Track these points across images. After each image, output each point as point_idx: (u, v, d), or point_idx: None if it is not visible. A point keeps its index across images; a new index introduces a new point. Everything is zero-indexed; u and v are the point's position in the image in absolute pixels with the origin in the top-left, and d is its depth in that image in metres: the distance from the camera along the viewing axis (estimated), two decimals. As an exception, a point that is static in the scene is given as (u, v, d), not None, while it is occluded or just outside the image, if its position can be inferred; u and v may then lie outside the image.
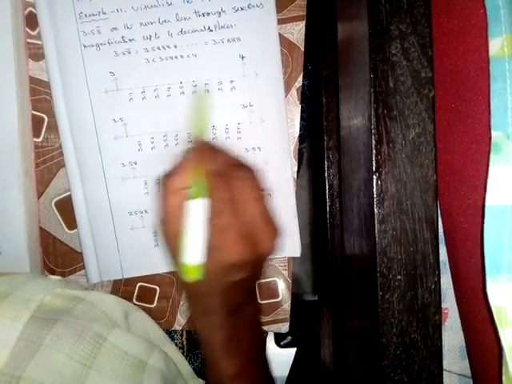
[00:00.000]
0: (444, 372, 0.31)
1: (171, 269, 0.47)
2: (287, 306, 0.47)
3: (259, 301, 0.47)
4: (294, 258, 0.47)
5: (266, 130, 0.44)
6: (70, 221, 0.46)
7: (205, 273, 0.36)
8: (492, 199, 0.27)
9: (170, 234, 0.38)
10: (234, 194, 0.36)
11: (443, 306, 0.35)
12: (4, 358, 0.33)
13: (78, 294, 0.40)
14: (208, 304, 0.39)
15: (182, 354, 0.47)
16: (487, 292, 0.27)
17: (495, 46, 0.28)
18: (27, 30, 0.44)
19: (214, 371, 0.41)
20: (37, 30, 0.44)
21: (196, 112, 0.42)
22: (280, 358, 0.52)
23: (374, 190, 0.28)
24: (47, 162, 0.46)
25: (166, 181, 0.38)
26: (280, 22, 0.44)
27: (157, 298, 0.47)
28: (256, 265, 0.38)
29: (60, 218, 0.47)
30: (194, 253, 0.36)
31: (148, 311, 0.45)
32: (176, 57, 0.44)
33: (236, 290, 0.38)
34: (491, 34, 0.28)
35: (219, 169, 0.37)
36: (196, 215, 0.36)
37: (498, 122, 0.27)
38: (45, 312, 0.37)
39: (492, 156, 0.27)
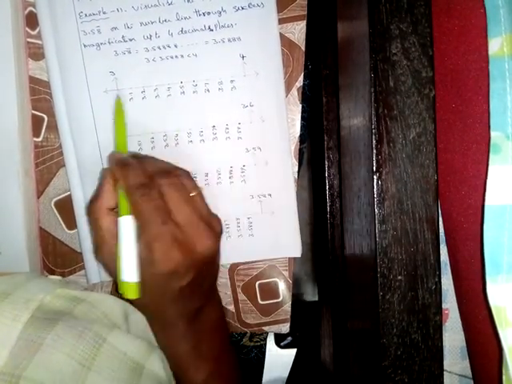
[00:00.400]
0: (445, 372, 0.30)
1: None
2: (288, 306, 0.47)
3: (259, 301, 0.47)
4: (294, 258, 0.47)
5: (266, 130, 0.44)
6: (70, 221, 0.46)
7: (147, 286, 0.36)
8: (492, 199, 0.27)
9: (107, 257, 0.38)
10: (162, 201, 0.36)
11: (444, 306, 0.35)
12: (4, 358, 0.32)
13: (78, 294, 0.40)
14: (165, 317, 0.39)
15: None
16: (487, 292, 0.27)
17: (495, 45, 0.28)
18: (27, 29, 0.44)
19: (182, 382, 0.41)
20: (37, 30, 0.44)
21: (116, 121, 0.42)
22: (280, 359, 0.52)
23: (375, 189, 0.28)
24: (47, 162, 0.46)
25: (91, 206, 0.39)
26: (281, 21, 0.44)
27: (157, 298, 0.47)
28: (199, 266, 0.37)
29: (60, 218, 0.47)
30: (128, 271, 0.36)
31: (148, 311, 0.45)
32: (176, 56, 0.44)
33: (188, 296, 0.38)
34: (491, 34, 0.28)
35: (142, 179, 0.37)
36: (126, 232, 0.36)
37: (497, 122, 0.27)
38: (45, 312, 0.37)
39: (491, 156, 0.27)
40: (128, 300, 0.38)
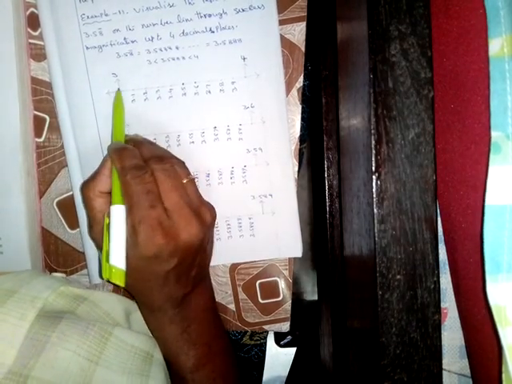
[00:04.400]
0: (443, 371, 0.31)
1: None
2: (288, 305, 0.47)
3: (260, 300, 0.47)
4: (294, 257, 0.47)
5: (267, 131, 0.45)
6: (72, 220, 0.46)
7: (131, 269, 0.37)
8: (492, 199, 0.27)
9: (99, 236, 0.39)
10: (153, 185, 0.37)
11: (443, 305, 0.35)
12: (12, 357, 0.33)
13: (81, 292, 0.41)
14: (151, 301, 0.39)
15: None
16: (487, 291, 0.27)
17: (495, 46, 0.28)
18: (29, 30, 0.45)
19: (174, 367, 0.41)
20: (38, 31, 0.44)
21: (115, 113, 0.43)
22: (280, 358, 0.52)
23: (374, 189, 0.28)
24: (49, 162, 0.46)
25: (86, 186, 0.39)
26: (281, 22, 0.44)
27: (158, 297, 0.47)
28: (183, 253, 0.37)
29: (62, 218, 0.47)
30: (116, 257, 0.36)
31: (149, 310, 0.45)
32: (178, 58, 0.44)
33: (174, 282, 0.38)
34: (491, 35, 0.28)
35: (136, 162, 0.37)
36: (117, 221, 0.37)
37: (497, 122, 0.28)
38: (49, 311, 0.37)
39: (492, 156, 0.27)
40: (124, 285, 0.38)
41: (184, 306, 0.40)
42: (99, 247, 0.40)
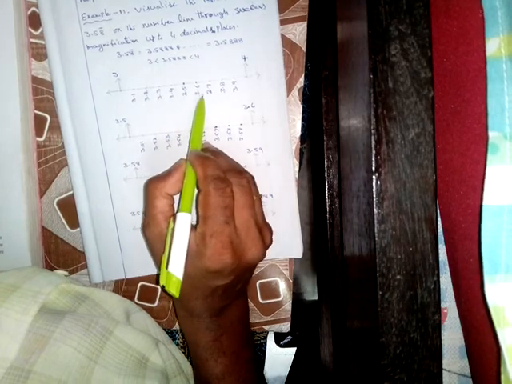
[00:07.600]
0: (443, 371, 0.31)
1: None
2: (288, 305, 0.47)
3: (260, 300, 0.47)
4: (295, 258, 0.47)
5: (268, 131, 0.45)
6: (72, 220, 0.47)
7: (188, 277, 0.36)
8: (490, 199, 0.27)
9: (154, 238, 0.38)
10: (231, 200, 0.36)
11: (443, 305, 0.35)
12: (14, 352, 0.33)
13: (82, 290, 0.41)
14: (192, 307, 0.39)
15: (183, 353, 0.47)
16: (485, 292, 0.27)
17: (492, 46, 0.28)
18: (30, 29, 0.45)
19: (200, 371, 0.41)
20: (40, 30, 0.45)
21: (196, 118, 0.42)
22: (280, 358, 0.52)
23: (374, 189, 0.28)
24: (49, 162, 0.46)
25: (154, 183, 0.39)
26: (282, 22, 0.44)
27: (158, 297, 0.48)
28: (241, 272, 0.38)
29: (62, 217, 0.47)
30: (176, 266, 0.35)
31: (149, 311, 0.45)
32: (179, 58, 0.44)
33: (221, 294, 0.38)
34: (488, 35, 0.28)
35: (220, 174, 0.37)
36: (182, 229, 0.36)
37: (495, 122, 0.28)
38: (51, 309, 0.37)
39: (489, 156, 0.27)
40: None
41: (221, 315, 0.40)
42: (151, 248, 0.40)
